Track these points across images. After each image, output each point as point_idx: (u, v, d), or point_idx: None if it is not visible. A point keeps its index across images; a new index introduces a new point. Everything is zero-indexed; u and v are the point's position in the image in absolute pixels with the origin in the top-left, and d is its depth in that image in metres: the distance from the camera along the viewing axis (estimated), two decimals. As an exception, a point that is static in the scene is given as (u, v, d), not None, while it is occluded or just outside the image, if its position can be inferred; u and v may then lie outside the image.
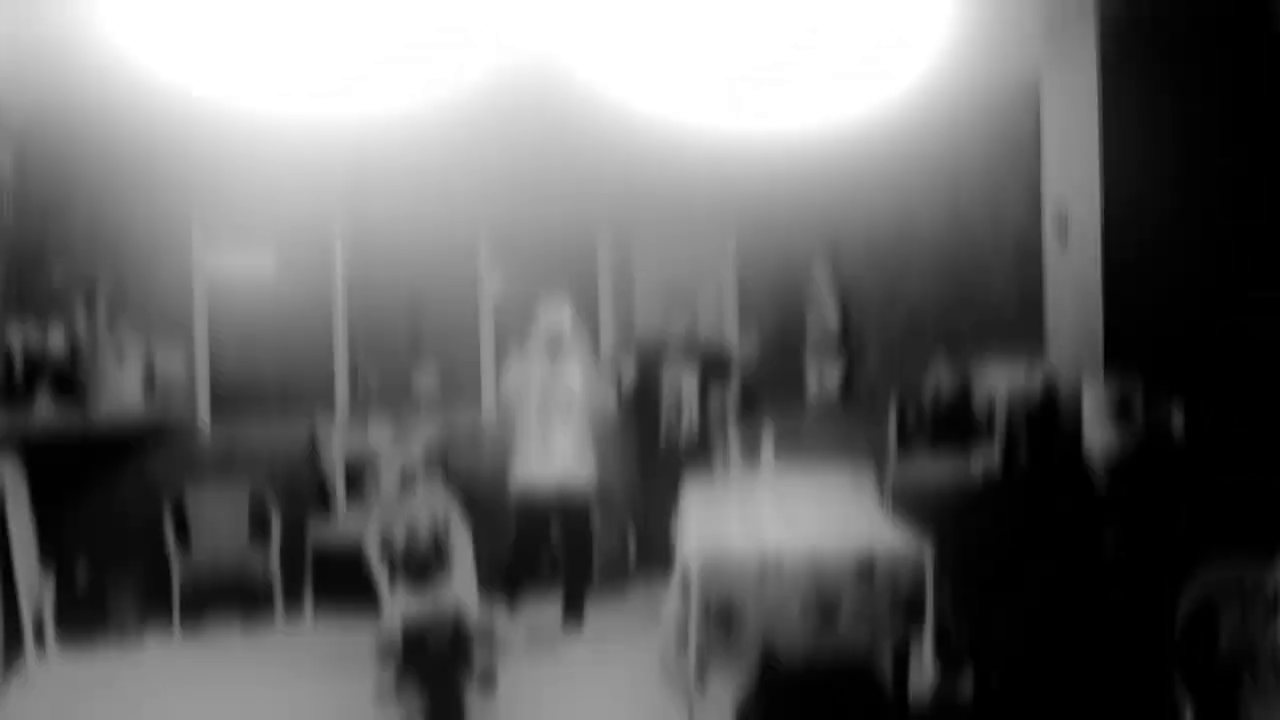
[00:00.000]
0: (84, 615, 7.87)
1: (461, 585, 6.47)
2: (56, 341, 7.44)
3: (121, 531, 8.26)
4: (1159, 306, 6.21)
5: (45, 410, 7.42)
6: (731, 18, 6.34)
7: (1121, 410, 5.77)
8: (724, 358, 8.92)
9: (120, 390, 7.94)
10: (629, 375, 9.15)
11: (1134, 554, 5.62)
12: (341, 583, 7.99)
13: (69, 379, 7.59)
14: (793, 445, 8.81)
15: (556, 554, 8.10)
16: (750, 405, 9.61)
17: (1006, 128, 7.93)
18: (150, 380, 8.28)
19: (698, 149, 9.00)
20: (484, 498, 8.08)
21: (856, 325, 9.74)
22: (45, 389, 7.45)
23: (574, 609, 7.77)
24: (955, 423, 6.69)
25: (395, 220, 9.06)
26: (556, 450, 7.62)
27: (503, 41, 6.59)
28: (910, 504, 6.15)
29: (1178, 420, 5.69)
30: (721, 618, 4.80)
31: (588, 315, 8.88)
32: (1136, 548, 5.62)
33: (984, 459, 6.08)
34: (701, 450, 8.90)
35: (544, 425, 7.62)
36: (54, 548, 7.85)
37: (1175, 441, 5.67)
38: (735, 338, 9.90)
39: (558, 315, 7.75)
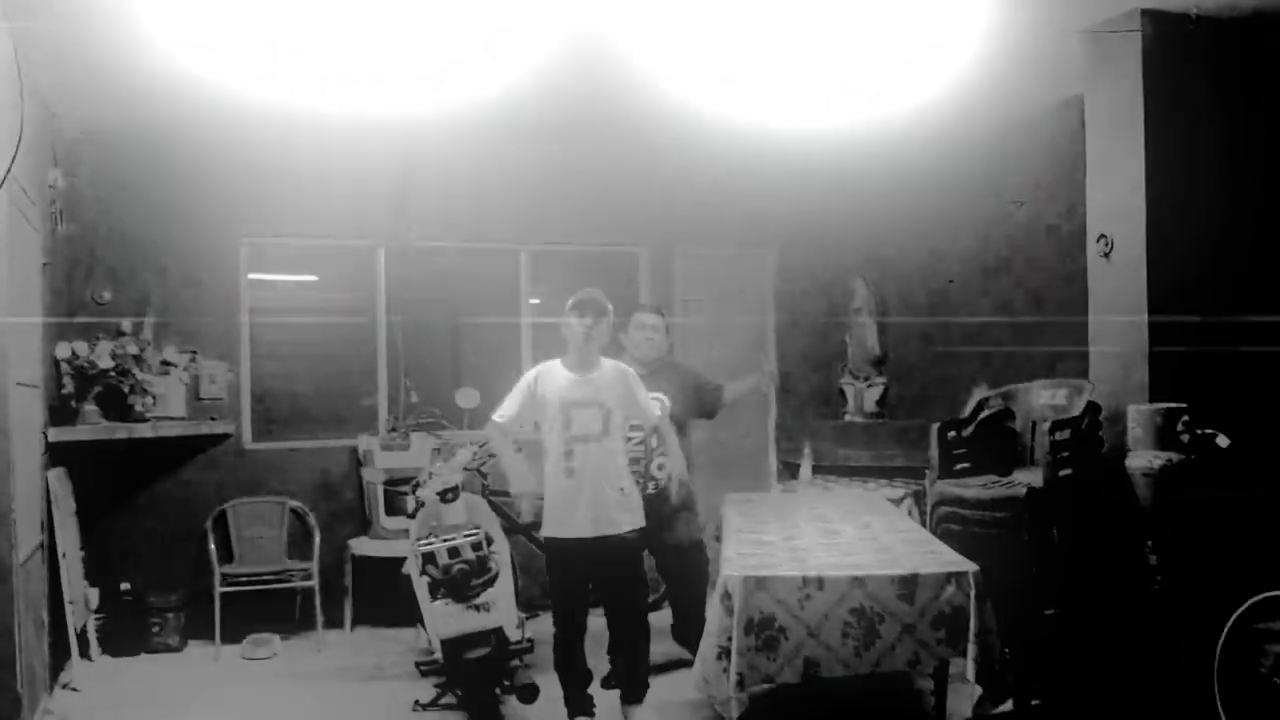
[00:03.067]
0: (128, 625, 7.94)
1: (501, 600, 6.50)
2: (104, 357, 7.52)
3: (165, 543, 8.34)
4: (1204, 326, 6.17)
5: (92, 424, 7.50)
6: (773, 34, 6.36)
7: (1166, 431, 5.74)
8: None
9: (166, 405, 8.03)
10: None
11: (1178, 577, 5.59)
12: (382, 596, 8.03)
13: (116, 394, 7.68)
14: (833, 463, 8.83)
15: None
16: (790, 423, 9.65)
17: (1050, 145, 7.91)
18: (195, 395, 8.37)
19: (740, 166, 9.05)
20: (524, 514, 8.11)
21: (897, 344, 9.73)
22: (93, 403, 7.54)
23: (634, 678, 6.10)
24: (997, 442, 6.67)
25: (436, 238, 9.11)
26: (594, 492, 5.88)
27: (544, 57, 6.64)
28: (952, 523, 6.14)
29: (1223, 442, 5.66)
30: (762, 634, 4.79)
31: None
32: (1181, 570, 5.59)
33: (1027, 478, 6.06)
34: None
35: (574, 456, 5.90)
36: (99, 558, 7.93)
37: (1220, 463, 5.63)
38: (773, 355, 9.92)
39: (594, 312, 5.97)
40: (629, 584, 6.05)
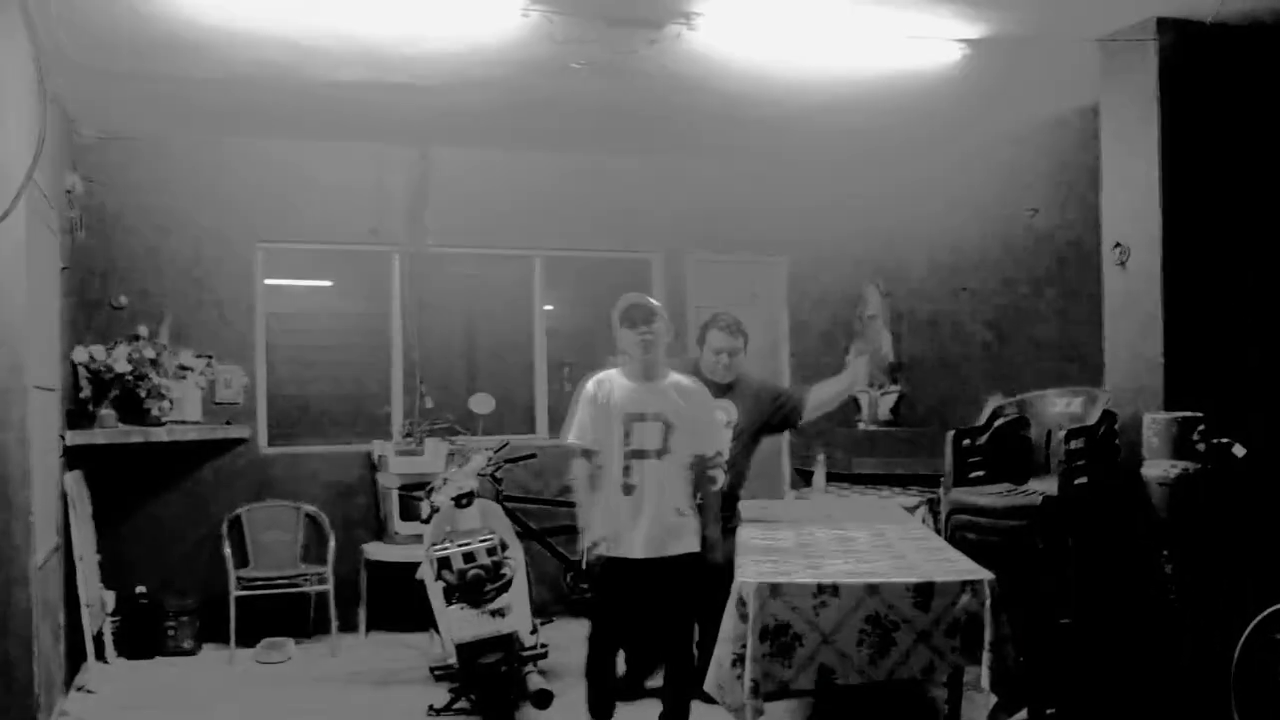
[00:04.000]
0: (143, 628, 7.97)
1: (516, 604, 6.50)
2: (121, 361, 7.55)
3: (181, 546, 8.37)
4: (1219, 335, 6.17)
5: (109, 428, 7.53)
6: (783, 41, 6.40)
7: (1182, 440, 5.73)
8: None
9: (182, 409, 8.06)
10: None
11: (1194, 586, 5.58)
12: (396, 601, 8.05)
13: (133, 397, 7.71)
14: (846, 471, 8.82)
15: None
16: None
17: (1064, 153, 7.90)
18: (211, 400, 8.40)
19: (752, 173, 9.06)
20: (537, 521, 8.13)
21: (910, 352, 9.73)
22: (109, 406, 7.57)
23: (677, 707, 5.70)
24: (1012, 450, 6.66)
25: (451, 244, 9.14)
26: (652, 511, 5.53)
27: (560, 68, 6.67)
28: (967, 532, 6.14)
29: (1239, 451, 5.65)
30: (777, 641, 4.79)
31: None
32: (1196, 580, 5.58)
33: (1042, 487, 6.05)
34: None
35: (631, 473, 5.57)
36: (115, 561, 7.96)
37: (1237, 472, 5.62)
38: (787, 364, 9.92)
39: (644, 318, 5.61)
40: (680, 610, 5.64)
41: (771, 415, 6.61)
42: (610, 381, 5.70)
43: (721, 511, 5.81)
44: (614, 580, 5.63)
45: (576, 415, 5.72)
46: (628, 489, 5.54)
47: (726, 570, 5.79)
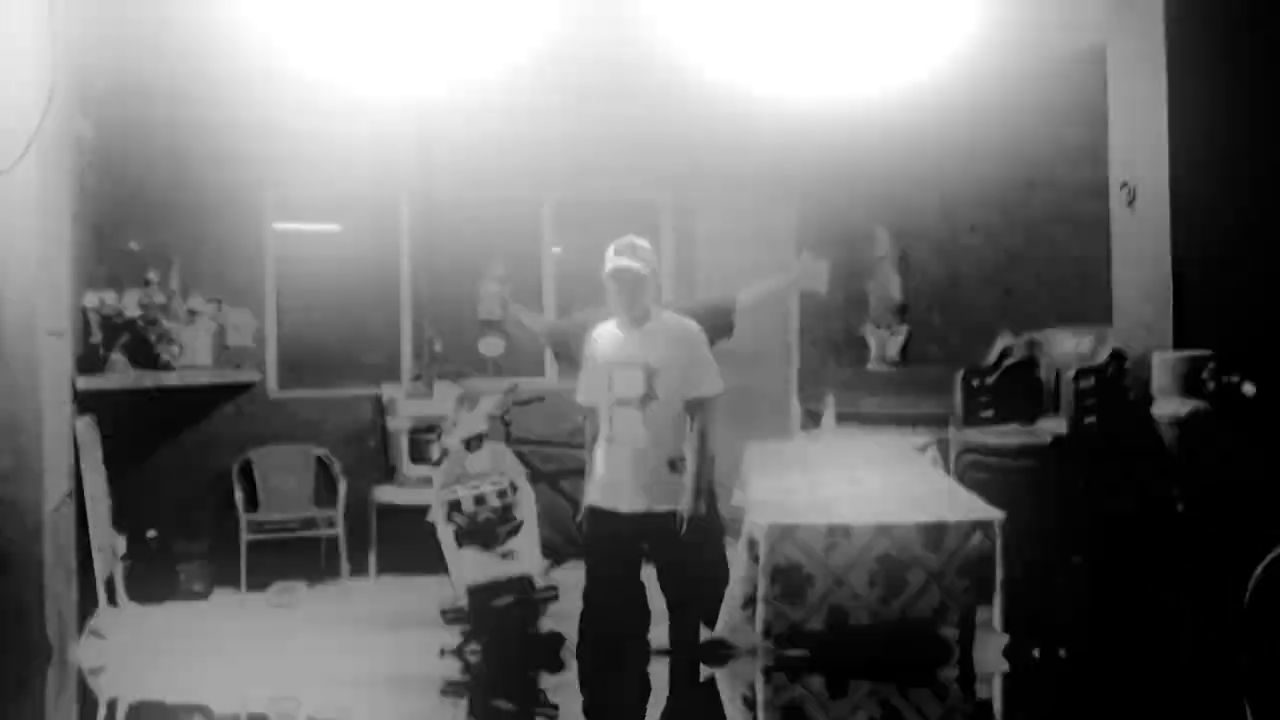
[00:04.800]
0: (154, 571, 8.00)
1: (527, 547, 6.53)
2: (131, 306, 7.55)
3: (192, 491, 8.39)
4: (1228, 273, 6.14)
5: (120, 373, 7.54)
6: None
7: (1191, 378, 5.72)
8: None
9: (192, 354, 8.05)
10: None
11: (1205, 524, 5.58)
12: (407, 544, 8.07)
13: (143, 342, 7.70)
14: (856, 412, 8.81)
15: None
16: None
17: (1072, 93, 7.84)
18: (221, 344, 8.40)
19: (760, 116, 8.99)
20: (547, 463, 8.15)
21: (919, 292, 9.70)
22: (120, 351, 7.57)
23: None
24: (1022, 390, 6.66)
25: (460, 187, 9.10)
26: (636, 463, 5.34)
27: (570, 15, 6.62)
28: (977, 471, 6.14)
29: (1248, 390, 5.64)
30: (789, 582, 4.81)
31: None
32: (1207, 518, 5.58)
33: (1051, 427, 6.05)
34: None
35: (614, 423, 5.40)
36: (126, 506, 7.98)
37: (1247, 410, 5.62)
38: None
39: (627, 253, 5.41)
40: (688, 570, 5.35)
41: (712, 325, 5.95)
42: (601, 333, 5.55)
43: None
44: (602, 534, 5.45)
45: (583, 370, 5.65)
46: (610, 439, 5.40)
47: (712, 522, 5.59)
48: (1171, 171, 6.16)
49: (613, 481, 5.37)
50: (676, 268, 9.44)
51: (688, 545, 5.25)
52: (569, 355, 6.29)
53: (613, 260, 5.37)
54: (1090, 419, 5.84)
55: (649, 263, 5.43)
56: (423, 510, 7.03)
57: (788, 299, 7.52)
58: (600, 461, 5.44)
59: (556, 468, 8.15)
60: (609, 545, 5.43)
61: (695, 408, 5.37)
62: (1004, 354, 6.87)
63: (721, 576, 5.64)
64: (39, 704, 5.65)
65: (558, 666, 6.27)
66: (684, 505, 5.22)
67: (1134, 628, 5.70)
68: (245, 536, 8.01)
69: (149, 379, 7.69)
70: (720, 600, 5.55)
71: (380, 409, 8.75)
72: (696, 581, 5.44)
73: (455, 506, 6.54)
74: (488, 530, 6.35)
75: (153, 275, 7.90)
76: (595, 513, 5.44)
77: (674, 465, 5.30)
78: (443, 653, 6.62)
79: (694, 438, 5.34)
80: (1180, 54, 6.17)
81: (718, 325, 6.12)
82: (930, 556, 4.81)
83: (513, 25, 6.97)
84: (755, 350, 9.81)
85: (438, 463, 7.09)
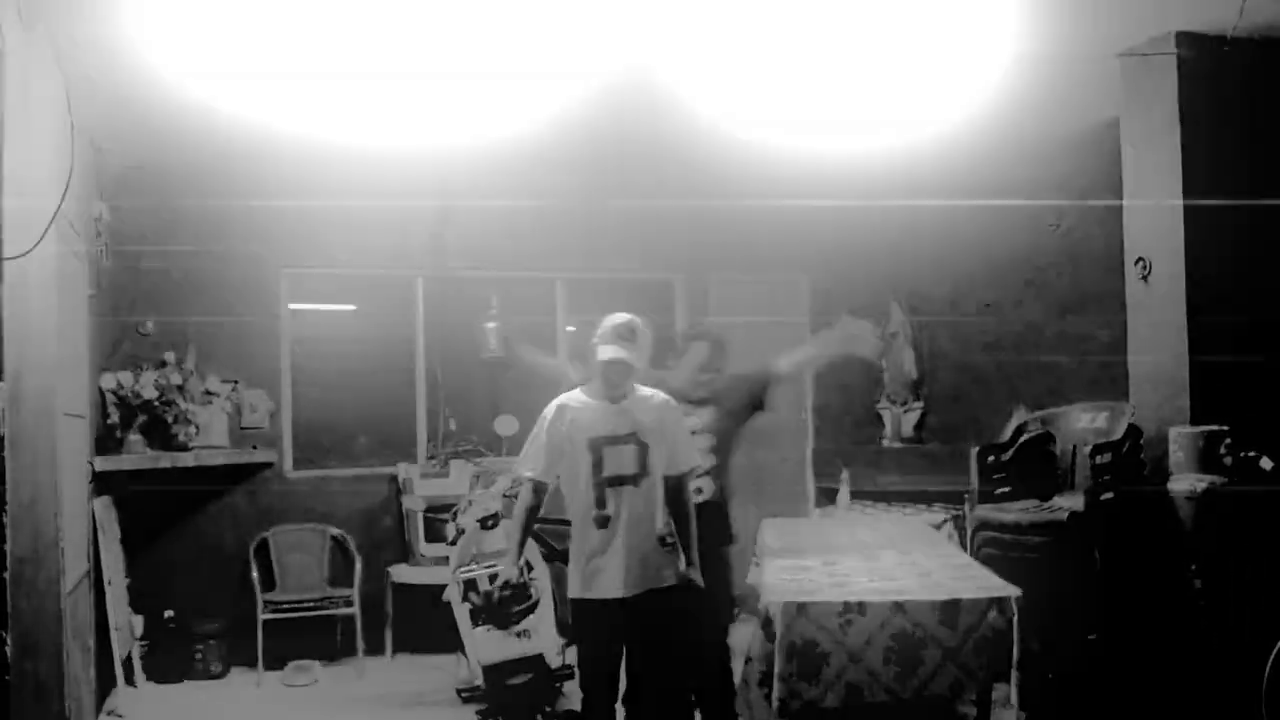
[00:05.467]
0: (172, 651, 8.00)
1: (543, 626, 6.52)
2: (148, 387, 7.61)
3: (208, 570, 8.40)
4: (1245, 348, 6.14)
5: (137, 453, 7.58)
6: (811, 61, 6.41)
7: (1208, 454, 5.71)
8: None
9: (208, 434, 8.10)
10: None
11: (1222, 601, 5.55)
12: (422, 623, 8.06)
13: (160, 423, 7.76)
14: (871, 488, 8.81)
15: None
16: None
17: (1086, 168, 7.90)
18: (237, 424, 8.44)
19: (773, 195, 9.07)
20: (563, 542, 8.12)
21: (933, 368, 9.72)
22: (137, 432, 7.62)
23: None
24: (1037, 466, 6.65)
25: (474, 267, 9.18)
26: (630, 544, 5.02)
27: (581, 85, 6.69)
28: (993, 548, 6.12)
29: (1266, 465, 5.63)
30: (804, 660, 4.79)
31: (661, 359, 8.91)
32: (1225, 595, 5.55)
33: (1068, 502, 6.04)
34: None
35: (607, 503, 5.03)
36: (144, 586, 8.00)
37: (1264, 485, 5.60)
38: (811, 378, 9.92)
39: (630, 341, 5.06)
40: (668, 651, 5.12)
41: (749, 394, 5.97)
42: (574, 403, 5.15)
43: (714, 525, 5.50)
44: (595, 623, 5.08)
45: (528, 443, 5.21)
46: (602, 521, 5.00)
47: (721, 594, 5.58)
48: (1187, 246, 6.18)
49: (603, 568, 5.00)
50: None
51: (687, 618, 5.13)
52: None
53: (608, 350, 5.00)
54: (1106, 495, 5.83)
55: (643, 350, 5.10)
56: (438, 589, 7.04)
57: (818, 369, 7.20)
58: (585, 546, 5.05)
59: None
60: (607, 634, 5.06)
61: (676, 482, 5.16)
62: (1019, 430, 6.86)
63: (724, 656, 5.71)
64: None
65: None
66: (683, 572, 5.10)
67: (1151, 706, 5.65)
68: (262, 616, 8.00)
69: (166, 459, 7.74)
70: (726, 679, 5.63)
71: (396, 488, 8.77)
72: (695, 661, 5.37)
73: (471, 586, 6.54)
74: (503, 609, 6.33)
75: (169, 356, 7.98)
76: (586, 604, 5.05)
77: (663, 540, 5.13)
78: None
79: (680, 511, 5.15)
80: (1194, 127, 6.21)
81: (755, 397, 5.96)
82: (946, 633, 4.77)
83: (526, 109, 7.06)
84: (771, 427, 9.84)
85: (453, 542, 7.09)
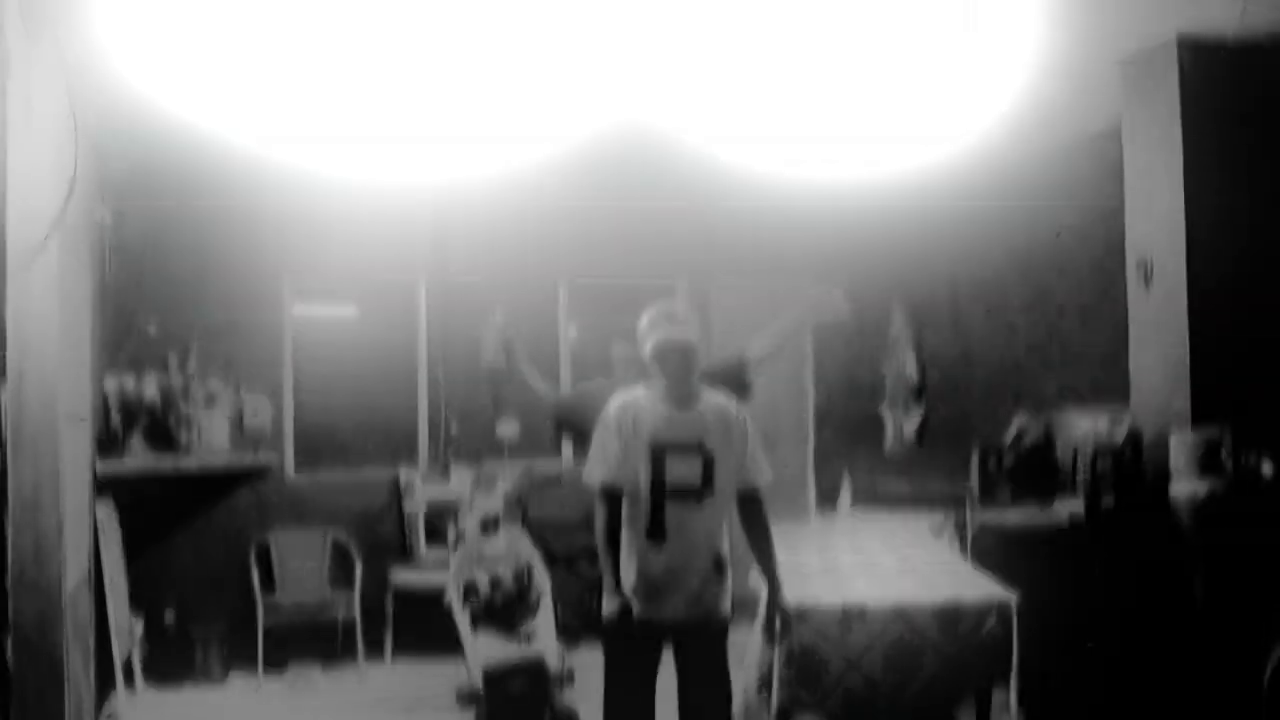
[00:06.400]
0: (171, 654, 8.00)
1: (543, 629, 6.52)
2: (150, 390, 7.62)
3: (209, 573, 8.40)
4: (1246, 352, 6.15)
5: (139, 456, 7.58)
6: (809, 70, 6.42)
7: (1209, 459, 5.71)
8: None
9: (210, 437, 8.11)
10: None
11: (1223, 605, 5.55)
12: (423, 627, 8.06)
13: (162, 426, 7.77)
14: (871, 493, 8.81)
15: None
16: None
17: (1087, 172, 7.90)
18: (238, 427, 8.45)
19: (776, 199, 9.07)
20: (564, 545, 8.13)
21: (934, 373, 9.72)
22: (139, 436, 7.63)
23: None
24: (1038, 471, 6.66)
25: (476, 271, 9.18)
26: (688, 564, 4.63)
27: (584, 97, 6.70)
28: (993, 553, 6.13)
29: (1267, 468, 5.63)
30: (804, 665, 4.79)
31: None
32: (1225, 598, 5.55)
33: (1068, 508, 6.04)
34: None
35: (672, 516, 4.61)
36: (144, 589, 8.00)
37: (1264, 490, 5.60)
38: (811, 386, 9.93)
39: (680, 322, 4.71)
40: (717, 689, 4.73)
41: (726, 383, 5.28)
42: (636, 404, 4.72)
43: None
44: (641, 646, 4.67)
45: (595, 447, 4.77)
46: (658, 536, 4.59)
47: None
48: (1189, 250, 6.19)
49: (654, 587, 4.61)
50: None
51: (721, 653, 4.72)
52: (575, 428, 5.81)
53: (662, 330, 4.63)
54: (1107, 499, 5.84)
55: (696, 330, 4.72)
56: (439, 593, 7.04)
57: (802, 345, 6.90)
58: (636, 561, 4.64)
59: (572, 549, 8.13)
60: (642, 659, 4.68)
61: (750, 498, 4.76)
62: (1020, 435, 6.87)
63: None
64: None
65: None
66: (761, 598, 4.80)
67: (1151, 712, 5.65)
68: (262, 619, 7.99)
69: (167, 462, 7.74)
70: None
71: (397, 492, 8.77)
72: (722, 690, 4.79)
73: (472, 589, 6.54)
74: (504, 613, 6.34)
75: (171, 360, 7.98)
76: (626, 621, 4.60)
77: (719, 565, 4.69)
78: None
79: (758, 532, 4.77)
80: (1196, 132, 6.22)
81: (734, 388, 5.35)
82: (946, 639, 4.79)
83: (529, 111, 7.06)
84: (771, 431, 9.84)
85: (454, 546, 7.10)
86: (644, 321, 4.73)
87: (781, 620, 4.76)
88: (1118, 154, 6.75)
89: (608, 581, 4.64)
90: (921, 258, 9.62)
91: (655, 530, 4.59)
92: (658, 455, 4.59)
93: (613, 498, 4.68)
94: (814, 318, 6.32)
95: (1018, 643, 4.77)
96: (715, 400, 4.74)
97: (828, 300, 6.18)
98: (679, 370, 4.62)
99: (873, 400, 9.90)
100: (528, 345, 7.70)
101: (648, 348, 4.65)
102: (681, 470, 4.58)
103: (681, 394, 4.65)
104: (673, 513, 4.57)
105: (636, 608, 4.59)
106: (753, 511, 4.78)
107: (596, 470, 4.72)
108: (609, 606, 4.61)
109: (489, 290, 9.32)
